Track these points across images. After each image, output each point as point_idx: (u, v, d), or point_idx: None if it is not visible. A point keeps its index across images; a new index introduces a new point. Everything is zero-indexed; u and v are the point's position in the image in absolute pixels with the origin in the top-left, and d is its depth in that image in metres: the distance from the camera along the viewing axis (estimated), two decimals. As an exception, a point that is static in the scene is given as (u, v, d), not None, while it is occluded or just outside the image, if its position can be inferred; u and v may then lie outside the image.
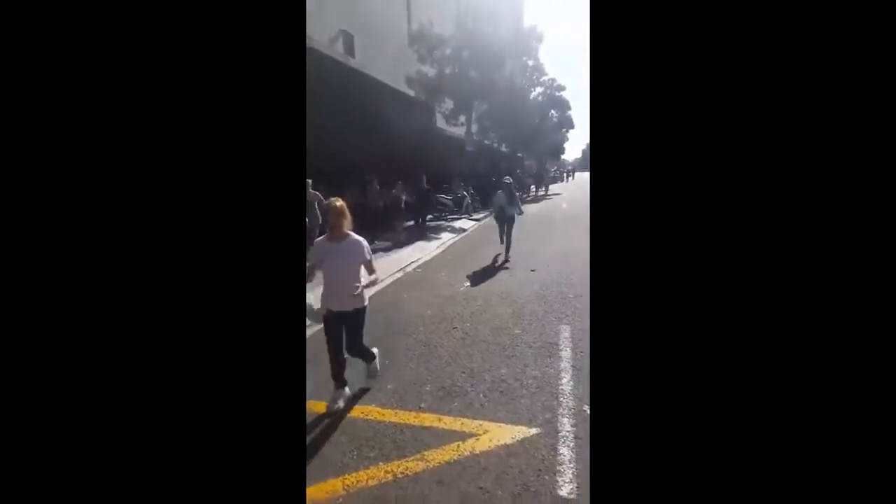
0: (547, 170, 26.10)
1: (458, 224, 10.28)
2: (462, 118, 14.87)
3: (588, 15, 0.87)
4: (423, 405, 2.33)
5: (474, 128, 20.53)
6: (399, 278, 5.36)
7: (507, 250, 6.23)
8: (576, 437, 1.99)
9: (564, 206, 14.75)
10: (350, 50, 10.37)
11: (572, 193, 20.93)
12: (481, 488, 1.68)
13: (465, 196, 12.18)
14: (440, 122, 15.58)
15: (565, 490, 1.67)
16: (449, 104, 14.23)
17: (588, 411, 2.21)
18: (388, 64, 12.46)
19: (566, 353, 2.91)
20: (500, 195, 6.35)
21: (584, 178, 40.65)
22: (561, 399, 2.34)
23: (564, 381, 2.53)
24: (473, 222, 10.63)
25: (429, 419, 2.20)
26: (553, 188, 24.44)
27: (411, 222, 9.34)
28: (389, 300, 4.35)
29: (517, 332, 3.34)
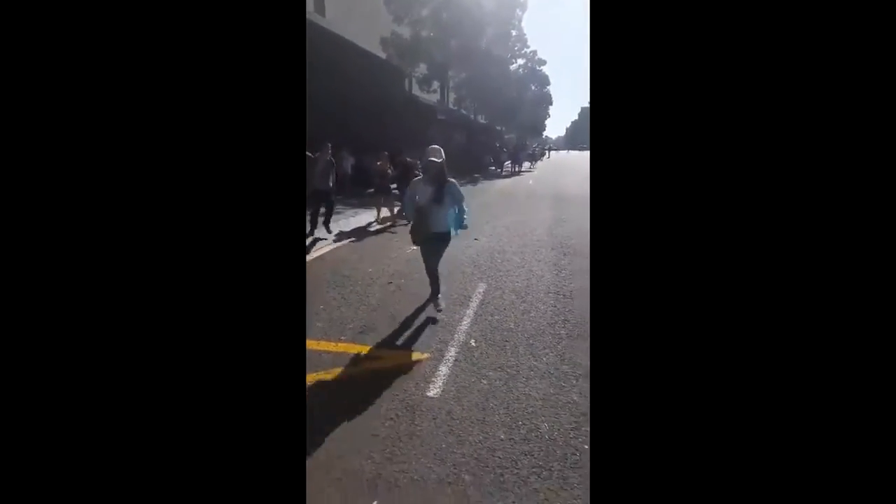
0: (527, 146, 26.17)
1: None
2: (436, 85, 14.75)
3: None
4: (342, 338, 2.83)
5: (452, 96, 20.28)
6: (353, 241, 5.77)
7: (436, 295, 3.25)
8: (455, 361, 2.55)
9: (531, 182, 15.25)
10: (321, 7, 10.10)
11: (542, 171, 21.41)
12: (367, 392, 2.22)
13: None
14: (414, 90, 15.38)
15: (432, 392, 2.22)
16: (423, 69, 14.02)
17: (474, 344, 2.77)
18: (361, 24, 12.15)
19: (474, 304, 3.47)
20: (419, 186, 3.00)
21: (559, 156, 41.01)
22: (455, 336, 2.89)
23: (464, 324, 3.09)
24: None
25: (345, 347, 2.70)
26: (525, 165, 24.80)
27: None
28: (341, 257, 4.78)
29: (442, 288, 3.87)
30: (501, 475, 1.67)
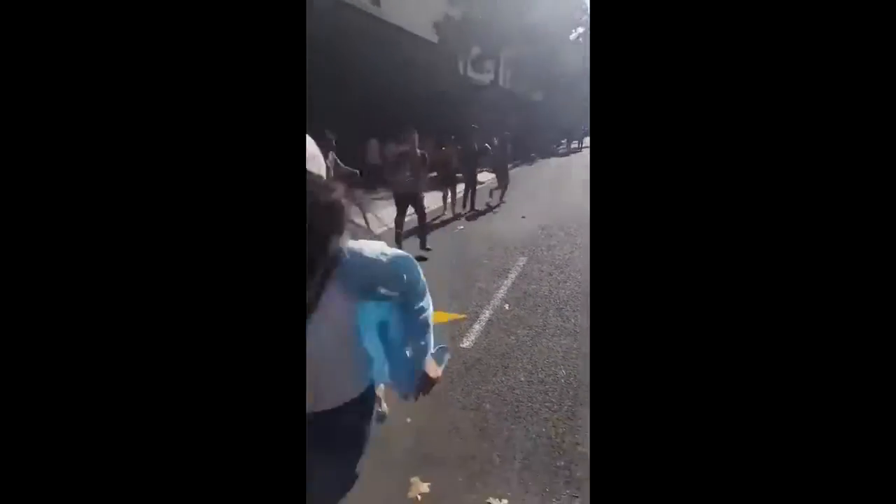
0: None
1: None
2: (489, 65, 14.62)
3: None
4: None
5: (508, 74, 19.85)
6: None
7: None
8: (489, 321, 2.84)
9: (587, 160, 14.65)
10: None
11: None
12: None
13: (486, 149, 12.46)
14: (468, 71, 15.36)
15: (465, 343, 2.55)
16: (476, 50, 13.96)
17: (507, 308, 3.03)
18: (415, 9, 12.40)
19: (512, 275, 3.71)
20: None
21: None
22: (491, 301, 3.17)
23: (501, 291, 3.35)
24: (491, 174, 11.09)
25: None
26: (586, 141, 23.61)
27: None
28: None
29: (485, 262, 4.15)
30: (517, 407, 1.96)
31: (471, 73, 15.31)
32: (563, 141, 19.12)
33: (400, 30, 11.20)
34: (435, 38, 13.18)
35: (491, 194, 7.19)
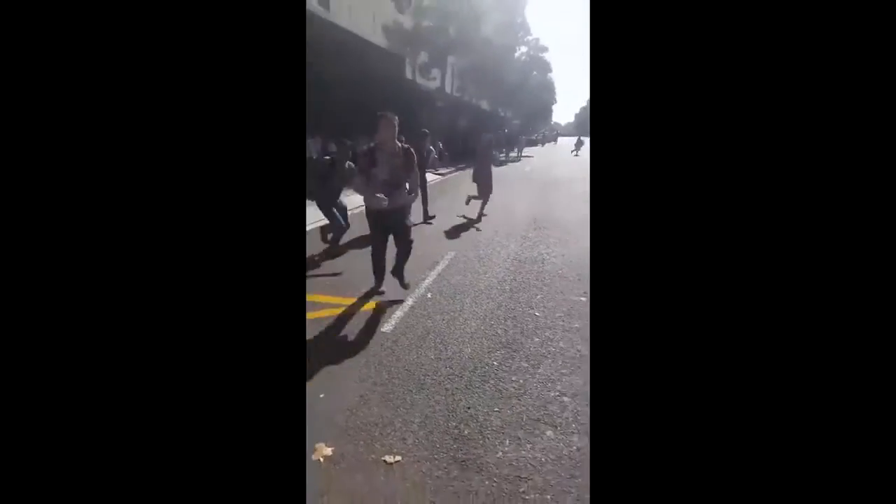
0: (532, 132, 26.00)
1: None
2: (436, 72, 14.98)
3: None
4: (320, 290, 3.32)
5: (456, 83, 20.40)
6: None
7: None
8: (411, 307, 3.01)
9: (527, 168, 15.48)
10: (324, 1, 10.45)
11: (545, 158, 21.52)
12: (332, 327, 2.70)
13: (430, 151, 12.73)
14: (415, 77, 15.60)
15: (386, 328, 2.69)
16: (423, 57, 14.24)
17: (429, 296, 3.23)
18: (364, 14, 12.44)
19: (440, 267, 3.92)
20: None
21: (567, 141, 40.75)
22: (416, 290, 3.35)
23: (427, 281, 3.54)
24: (437, 176, 11.39)
25: (320, 298, 3.19)
26: (528, 151, 24.86)
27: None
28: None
29: (418, 254, 4.32)
30: (422, 380, 2.14)
31: (419, 80, 15.57)
32: (503, 150, 19.96)
33: (347, 32, 11.19)
34: (384, 43, 13.28)
35: (468, 202, 6.62)
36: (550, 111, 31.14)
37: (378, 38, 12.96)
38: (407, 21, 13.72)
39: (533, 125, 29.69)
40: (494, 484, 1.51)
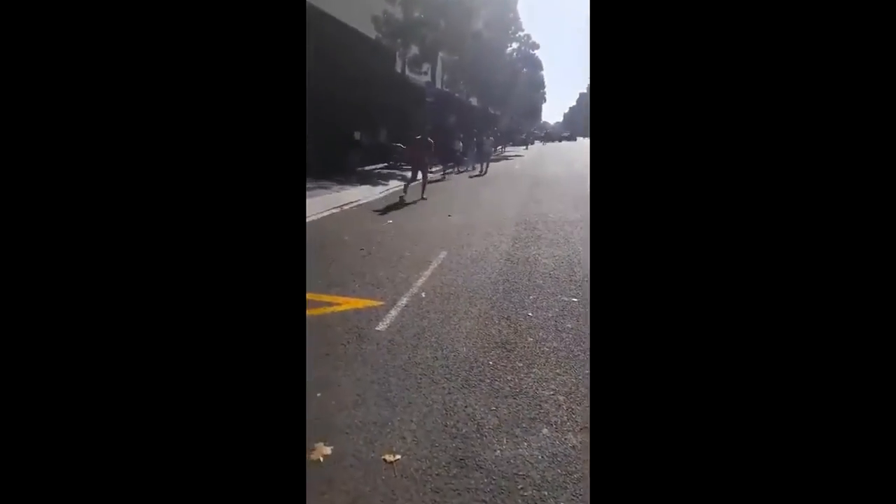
0: (520, 131, 26.12)
1: (409, 172, 10.97)
2: (426, 66, 14.86)
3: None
4: (312, 290, 3.30)
5: (445, 78, 20.29)
6: (334, 213, 6.20)
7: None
8: (405, 306, 3.04)
9: (517, 167, 15.60)
10: (311, -13, 10.23)
11: (532, 156, 21.65)
12: (328, 326, 2.70)
13: (430, 143, 12.65)
14: (404, 70, 15.43)
15: (380, 327, 2.71)
16: (413, 50, 14.10)
17: (423, 296, 3.25)
18: (354, 4, 12.22)
19: (433, 266, 3.95)
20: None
21: (554, 144, 41.11)
22: (409, 289, 3.37)
23: (420, 281, 3.57)
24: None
25: (313, 296, 3.18)
26: (515, 150, 24.94)
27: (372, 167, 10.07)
28: (320, 228, 5.22)
29: (406, 254, 4.34)
30: (420, 379, 2.17)
31: (408, 73, 15.41)
32: (495, 148, 20.06)
33: (336, 21, 10.98)
34: (373, 34, 13.07)
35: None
36: (540, 110, 31.26)
37: (368, 29, 12.76)
38: (398, 12, 13.54)
39: (521, 124, 29.77)
40: (493, 481, 1.56)
